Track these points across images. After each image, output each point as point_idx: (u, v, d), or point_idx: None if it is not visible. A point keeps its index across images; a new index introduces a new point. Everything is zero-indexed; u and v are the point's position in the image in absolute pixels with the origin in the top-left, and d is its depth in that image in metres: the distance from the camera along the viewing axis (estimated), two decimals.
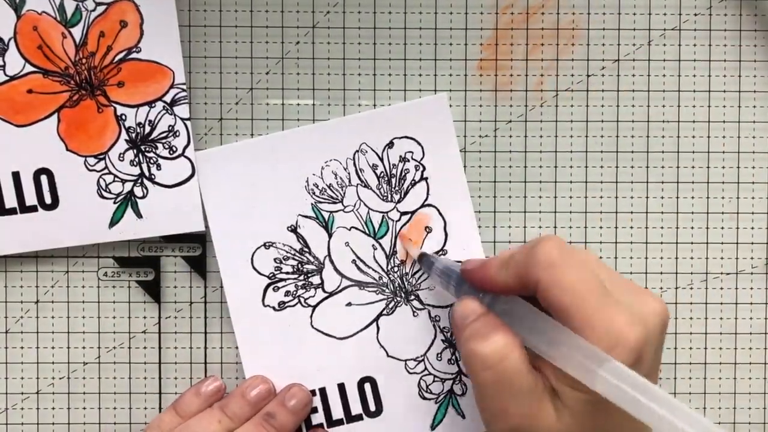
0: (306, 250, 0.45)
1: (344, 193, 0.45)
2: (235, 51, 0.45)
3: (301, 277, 0.45)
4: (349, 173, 0.45)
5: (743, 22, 0.45)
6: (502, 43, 0.45)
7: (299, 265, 0.45)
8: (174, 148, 0.44)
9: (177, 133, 0.44)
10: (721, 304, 0.46)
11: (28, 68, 0.44)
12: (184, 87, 0.44)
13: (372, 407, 0.45)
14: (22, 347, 0.46)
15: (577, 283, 0.35)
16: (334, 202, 0.45)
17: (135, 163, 0.44)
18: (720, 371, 0.46)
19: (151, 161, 0.44)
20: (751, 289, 0.46)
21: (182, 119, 0.44)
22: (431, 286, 0.45)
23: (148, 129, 0.44)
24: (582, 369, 0.34)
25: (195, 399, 0.44)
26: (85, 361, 0.46)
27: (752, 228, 0.46)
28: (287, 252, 0.45)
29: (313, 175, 0.45)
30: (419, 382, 0.45)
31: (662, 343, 0.37)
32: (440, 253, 0.45)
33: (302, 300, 0.45)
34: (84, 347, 0.46)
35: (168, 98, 0.44)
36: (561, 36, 0.45)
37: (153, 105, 0.44)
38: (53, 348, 0.46)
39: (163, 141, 0.44)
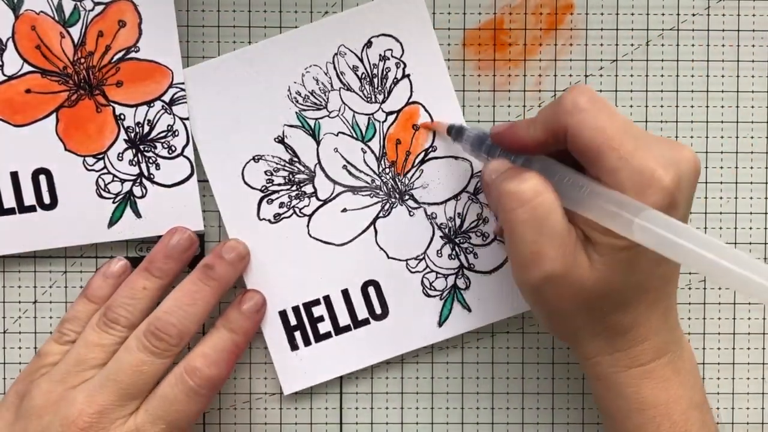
0: (295, 159, 0.45)
1: (328, 99, 0.45)
2: (233, 51, 0.45)
3: (294, 188, 0.45)
4: (330, 78, 0.45)
5: (741, 22, 0.46)
6: (500, 43, 0.45)
7: (290, 176, 0.45)
8: (173, 148, 0.44)
9: (176, 133, 0.44)
10: (719, 304, 0.46)
11: (27, 68, 0.44)
12: (183, 87, 0.44)
13: (378, 310, 0.45)
14: (20, 347, 0.46)
15: (608, 124, 0.35)
16: (319, 109, 0.45)
17: (134, 162, 0.44)
18: (718, 371, 0.46)
19: (150, 161, 0.44)
20: None
21: (181, 119, 0.44)
22: (425, 184, 0.45)
23: (146, 128, 0.44)
24: (618, 219, 0.34)
25: (104, 282, 0.43)
26: None
27: (750, 228, 0.46)
28: (277, 163, 0.45)
29: (295, 83, 0.45)
30: (422, 281, 0.45)
31: (694, 192, 0.37)
32: (430, 149, 0.45)
33: (297, 210, 0.45)
34: None
35: (167, 98, 0.44)
36: (559, 36, 0.45)
37: (152, 104, 0.44)
38: None
39: (162, 140, 0.44)
